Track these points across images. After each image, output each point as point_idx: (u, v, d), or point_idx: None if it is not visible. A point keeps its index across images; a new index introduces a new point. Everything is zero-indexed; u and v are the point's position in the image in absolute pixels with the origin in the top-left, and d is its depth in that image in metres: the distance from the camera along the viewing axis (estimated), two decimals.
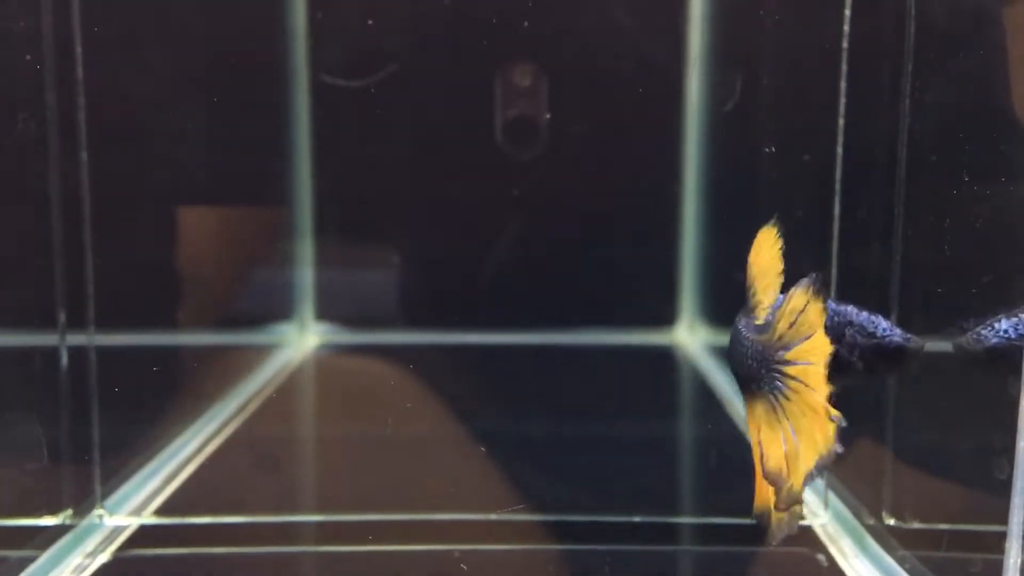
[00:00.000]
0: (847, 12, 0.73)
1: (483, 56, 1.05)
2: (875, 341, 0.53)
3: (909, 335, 0.54)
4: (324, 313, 1.17)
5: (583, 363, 1.15)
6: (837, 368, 0.50)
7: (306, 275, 1.16)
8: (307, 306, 1.17)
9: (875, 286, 0.72)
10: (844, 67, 0.73)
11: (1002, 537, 0.52)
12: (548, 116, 1.07)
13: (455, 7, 1.04)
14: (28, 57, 0.69)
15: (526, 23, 1.03)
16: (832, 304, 0.53)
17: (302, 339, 1.17)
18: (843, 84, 0.73)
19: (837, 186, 0.74)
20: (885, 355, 0.53)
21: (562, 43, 1.07)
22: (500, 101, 1.06)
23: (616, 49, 1.05)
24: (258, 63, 1.05)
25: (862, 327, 0.54)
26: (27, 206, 0.72)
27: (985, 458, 0.57)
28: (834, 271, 0.75)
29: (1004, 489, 0.51)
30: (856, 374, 0.54)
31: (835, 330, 0.53)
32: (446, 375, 1.03)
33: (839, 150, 0.74)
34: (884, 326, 0.54)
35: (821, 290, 0.49)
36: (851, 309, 0.54)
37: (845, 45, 0.73)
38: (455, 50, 1.06)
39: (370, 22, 1.03)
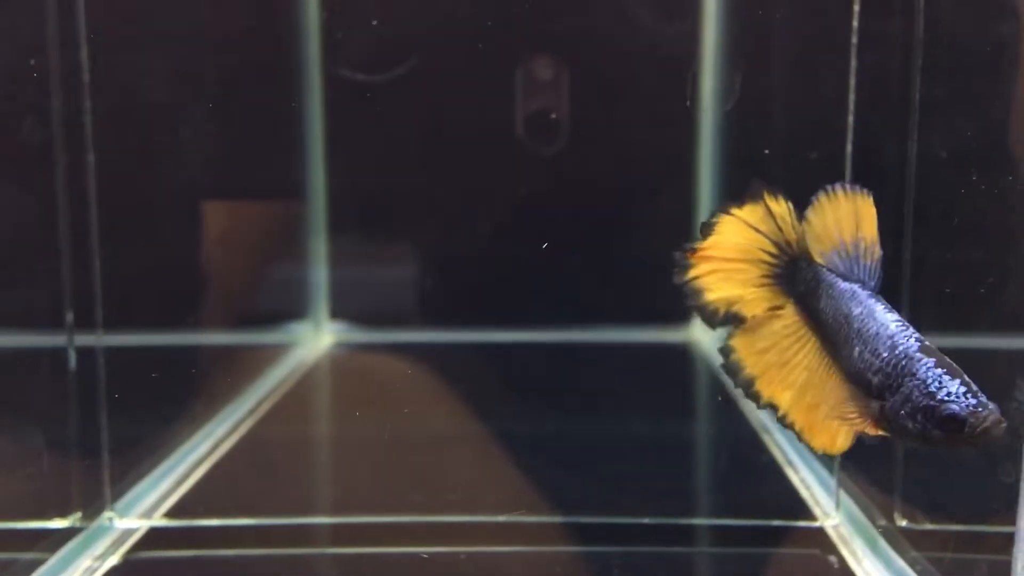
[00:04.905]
0: (856, 7, 0.72)
1: (503, 50, 1.04)
2: (929, 404, 0.44)
3: (983, 407, 0.43)
4: (339, 312, 1.17)
5: (598, 361, 1.15)
6: (888, 424, 0.45)
7: (320, 274, 1.16)
8: (321, 305, 1.17)
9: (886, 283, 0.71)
10: (854, 63, 0.72)
11: (1011, 538, 0.52)
12: (567, 111, 1.05)
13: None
14: (33, 61, 0.70)
15: (546, 16, 1.02)
16: (910, 346, 0.46)
17: (317, 338, 1.17)
18: (853, 80, 0.72)
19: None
20: (938, 423, 0.44)
21: (583, 37, 1.06)
22: (521, 95, 1.05)
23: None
24: (270, 59, 1.04)
25: (924, 383, 0.44)
26: (34, 208, 0.73)
27: (992, 462, 0.56)
28: None
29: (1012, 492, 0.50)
30: (911, 436, 0.45)
31: (892, 378, 0.45)
32: (460, 373, 1.03)
33: (848, 147, 0.73)
34: (951, 389, 0.44)
35: None
36: (927, 361, 0.45)
37: (854, 40, 0.72)
38: (474, 44, 1.05)
39: (382, 16, 1.02)
